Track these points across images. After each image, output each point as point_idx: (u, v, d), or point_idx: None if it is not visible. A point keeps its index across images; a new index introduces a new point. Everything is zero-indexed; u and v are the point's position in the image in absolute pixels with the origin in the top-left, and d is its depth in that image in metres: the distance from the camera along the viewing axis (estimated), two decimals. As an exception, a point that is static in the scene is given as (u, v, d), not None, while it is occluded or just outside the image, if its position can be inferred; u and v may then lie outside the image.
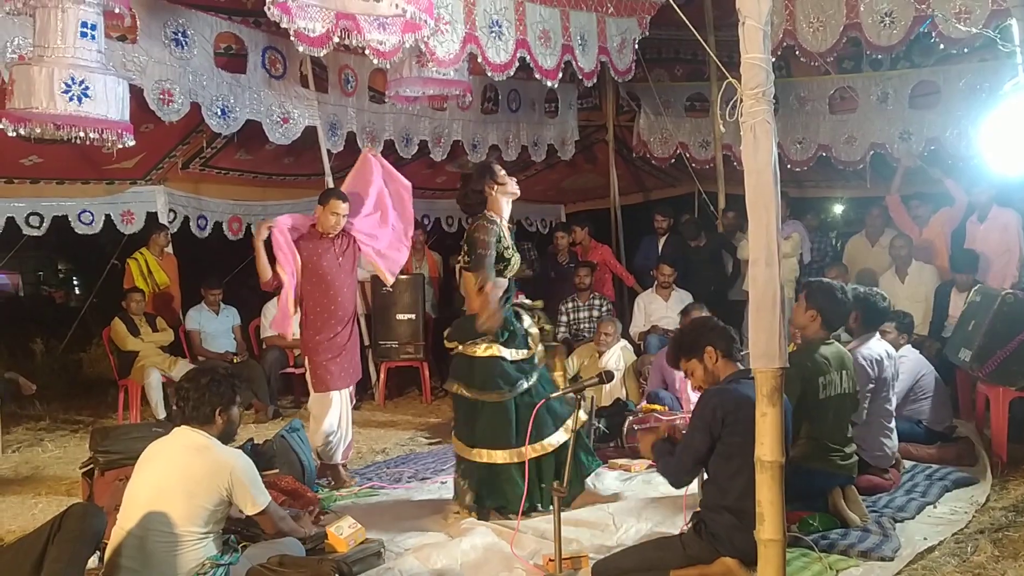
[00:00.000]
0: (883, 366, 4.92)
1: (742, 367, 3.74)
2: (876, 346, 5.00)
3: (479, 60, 5.49)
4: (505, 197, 4.79)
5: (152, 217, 8.33)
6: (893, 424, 5.05)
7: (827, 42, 6.93)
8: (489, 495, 4.67)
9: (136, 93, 5.60)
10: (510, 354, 4.67)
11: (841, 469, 4.39)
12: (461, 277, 4.91)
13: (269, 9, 4.14)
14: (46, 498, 5.49)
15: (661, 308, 7.96)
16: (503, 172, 4.81)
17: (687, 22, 3.92)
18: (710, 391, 3.72)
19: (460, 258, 4.82)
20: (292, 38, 4.58)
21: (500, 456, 4.60)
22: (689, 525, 3.81)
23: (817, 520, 4.21)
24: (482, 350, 4.64)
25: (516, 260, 4.78)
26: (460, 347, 4.74)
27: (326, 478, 5.48)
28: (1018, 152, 5.17)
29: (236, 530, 3.87)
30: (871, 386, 4.84)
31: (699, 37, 4.21)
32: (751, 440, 3.20)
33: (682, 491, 3.91)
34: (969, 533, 4.25)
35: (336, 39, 4.68)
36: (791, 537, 3.76)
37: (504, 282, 4.71)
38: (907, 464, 5.32)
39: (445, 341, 4.88)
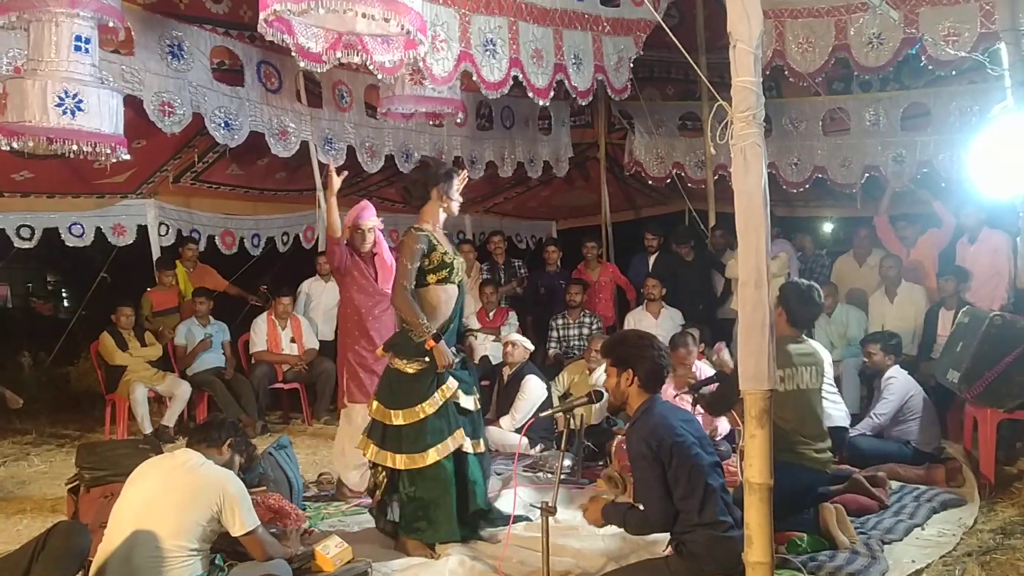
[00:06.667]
0: None
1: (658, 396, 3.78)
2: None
3: (474, 78, 5.51)
4: (443, 211, 4.66)
5: (143, 230, 8.34)
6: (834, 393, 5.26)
7: (816, 63, 6.98)
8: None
9: (129, 107, 5.59)
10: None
11: (814, 463, 4.48)
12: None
13: (262, 25, 4.13)
14: (31, 515, 5.43)
15: (651, 326, 7.93)
16: (458, 190, 4.71)
17: (678, 44, 3.94)
18: (629, 434, 3.76)
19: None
20: (294, 54, 4.59)
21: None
22: (669, 549, 3.81)
23: (806, 542, 4.22)
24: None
25: (460, 264, 4.64)
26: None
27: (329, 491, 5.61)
28: (1008, 175, 5.22)
29: (223, 548, 3.85)
30: None
31: (690, 60, 4.23)
32: (685, 454, 3.50)
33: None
34: (957, 556, 4.25)
35: (339, 54, 4.69)
36: (779, 559, 3.77)
37: (454, 289, 4.58)
38: (895, 485, 5.34)
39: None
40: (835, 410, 5.18)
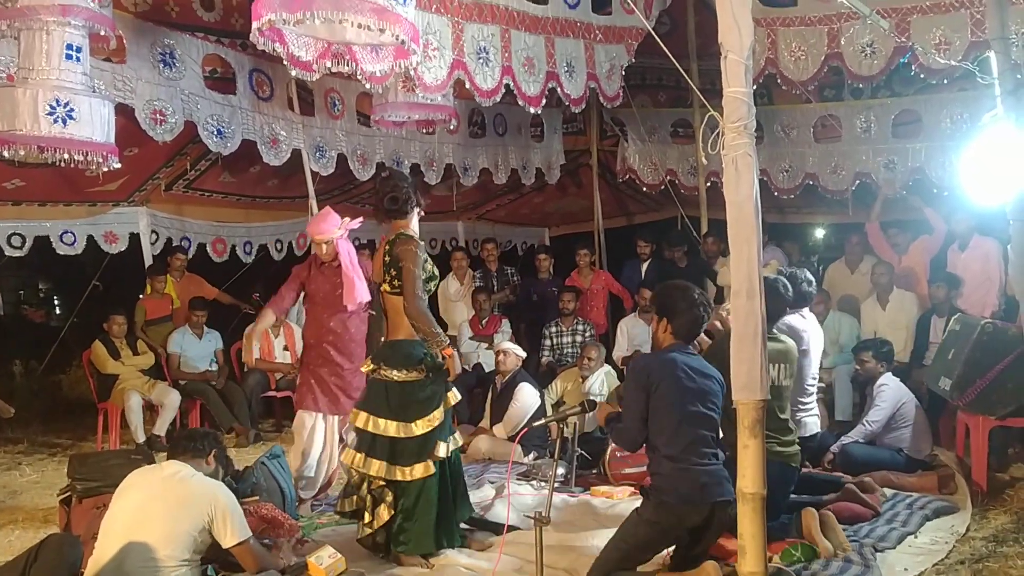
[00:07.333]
0: (803, 335, 5.05)
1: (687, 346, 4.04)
2: (794, 319, 5.10)
3: (467, 86, 5.51)
4: (417, 216, 4.65)
5: (135, 238, 8.31)
6: (811, 404, 5.25)
7: (809, 71, 6.98)
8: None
9: (121, 115, 5.58)
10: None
11: (778, 456, 4.47)
12: (383, 300, 4.63)
13: (255, 35, 4.12)
14: (23, 525, 5.41)
15: (644, 332, 7.96)
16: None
17: (668, 54, 3.95)
18: (639, 358, 4.19)
19: (384, 281, 4.52)
20: (285, 63, 4.59)
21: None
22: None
23: (799, 551, 4.22)
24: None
25: (437, 275, 4.65)
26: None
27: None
28: (998, 182, 5.24)
29: (215, 560, 3.83)
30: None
31: (681, 70, 4.24)
32: (673, 390, 3.77)
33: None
34: (950, 563, 4.27)
35: (329, 63, 4.69)
36: (773, 568, 3.77)
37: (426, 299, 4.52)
38: (888, 493, 5.35)
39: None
40: (808, 418, 5.18)
